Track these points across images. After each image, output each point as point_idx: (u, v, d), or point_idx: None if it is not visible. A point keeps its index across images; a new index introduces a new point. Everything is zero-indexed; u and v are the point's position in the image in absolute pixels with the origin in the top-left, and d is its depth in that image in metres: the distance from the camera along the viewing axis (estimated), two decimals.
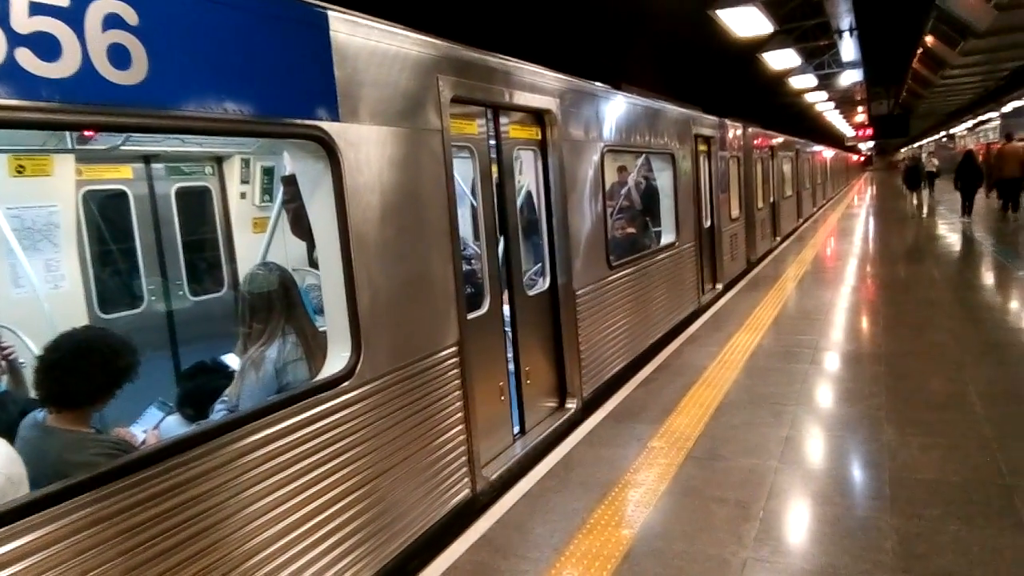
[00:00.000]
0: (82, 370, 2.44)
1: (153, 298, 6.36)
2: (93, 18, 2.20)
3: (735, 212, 12.30)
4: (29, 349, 4.65)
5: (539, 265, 5.77)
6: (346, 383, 3.21)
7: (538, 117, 5.42)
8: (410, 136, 3.72)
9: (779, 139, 17.09)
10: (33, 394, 2.52)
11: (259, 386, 3.23)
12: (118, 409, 2.90)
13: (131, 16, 2.31)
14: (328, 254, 3.27)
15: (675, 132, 8.79)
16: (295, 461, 2.88)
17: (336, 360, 3.29)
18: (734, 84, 21.52)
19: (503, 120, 5.00)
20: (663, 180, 8.76)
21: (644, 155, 8.73)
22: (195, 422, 3.59)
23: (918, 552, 3.36)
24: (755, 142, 13.97)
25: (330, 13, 3.21)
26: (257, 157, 6.57)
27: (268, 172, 6.72)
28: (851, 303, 9.55)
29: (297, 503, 2.91)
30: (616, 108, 6.93)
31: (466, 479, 4.05)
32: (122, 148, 5.63)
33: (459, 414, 4.02)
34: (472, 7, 9.38)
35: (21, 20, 2.01)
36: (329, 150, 3.13)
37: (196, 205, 6.66)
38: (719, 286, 10.78)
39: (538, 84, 5.27)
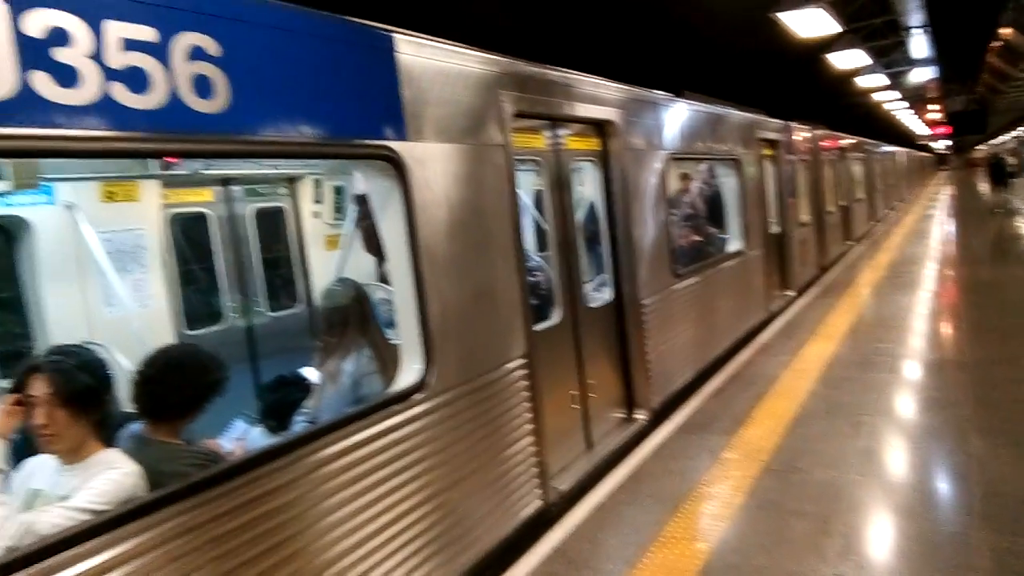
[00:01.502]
0: (175, 385, 2.58)
1: (234, 314, 6.64)
2: (179, 51, 2.34)
3: (804, 217, 11.97)
4: (120, 366, 4.93)
5: (601, 277, 5.75)
6: (418, 395, 3.27)
7: (599, 128, 5.43)
8: (474, 152, 3.79)
9: (848, 140, 16.56)
10: (130, 407, 2.67)
11: (337, 398, 3.33)
12: (206, 422, 3.04)
13: (213, 48, 2.45)
14: (399, 269, 3.36)
15: (739, 137, 8.64)
16: (371, 472, 2.96)
17: (408, 372, 3.36)
18: (798, 86, 20.99)
19: (564, 132, 5.04)
20: (728, 186, 8.62)
21: (708, 161, 8.62)
22: (277, 433, 3.73)
23: (1017, 570, 3.19)
24: (823, 144, 13.58)
25: (396, 36, 3.31)
26: (328, 177, 6.79)
27: (339, 191, 6.94)
28: (931, 308, 9.14)
29: (373, 513, 2.98)
30: (678, 116, 6.87)
31: (537, 490, 4.06)
32: (203, 172, 5.91)
33: (529, 426, 4.04)
34: (533, 23, 9.48)
35: (115, 56, 2.16)
36: (398, 168, 3.22)
37: (272, 225, 6.94)
38: (790, 293, 10.49)
39: (599, 96, 5.28)
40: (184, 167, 5.59)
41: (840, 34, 14.17)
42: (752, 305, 8.67)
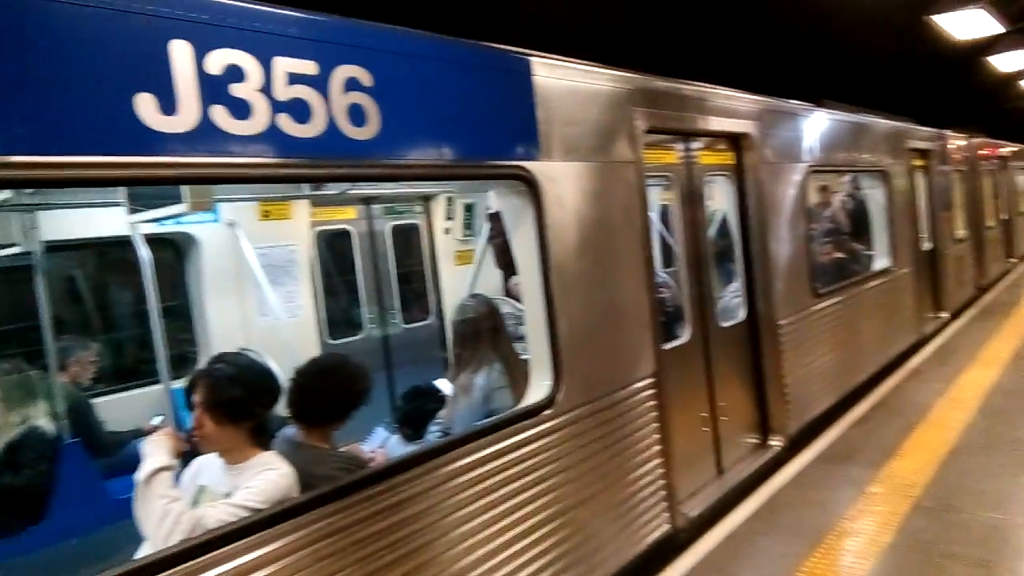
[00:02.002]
0: (326, 392, 2.76)
1: (372, 325, 7.01)
2: (336, 83, 2.52)
3: (960, 232, 11.00)
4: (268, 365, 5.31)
5: (734, 295, 5.56)
6: (547, 411, 3.30)
7: (733, 141, 5.28)
8: (605, 169, 3.79)
9: (1010, 148, 15.07)
10: (285, 412, 2.88)
11: (469, 411, 3.43)
12: (350, 426, 3.23)
13: (367, 78, 2.61)
14: (530, 286, 3.42)
15: (886, 147, 8.10)
16: (500, 486, 3.01)
17: (537, 388, 3.40)
18: (953, 92, 19.34)
19: (696, 146, 4.94)
20: (874, 199, 8.09)
21: (851, 173, 8.13)
22: (413, 442, 3.88)
23: None
24: (981, 153, 12.44)
25: (532, 59, 3.39)
26: (459, 195, 7.03)
27: (469, 208, 7.17)
28: None
29: (501, 527, 3.02)
30: (817, 126, 6.54)
31: (665, 514, 3.97)
32: (348, 192, 6.29)
33: (656, 447, 3.97)
34: (665, 38, 9.37)
35: (281, 89, 2.35)
36: (531, 187, 3.28)
37: (407, 240, 7.27)
38: (943, 314, 9.66)
39: (733, 108, 5.14)
40: (332, 187, 5.97)
41: (1002, 35, 12.97)
42: (901, 327, 8.06)
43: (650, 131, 4.16)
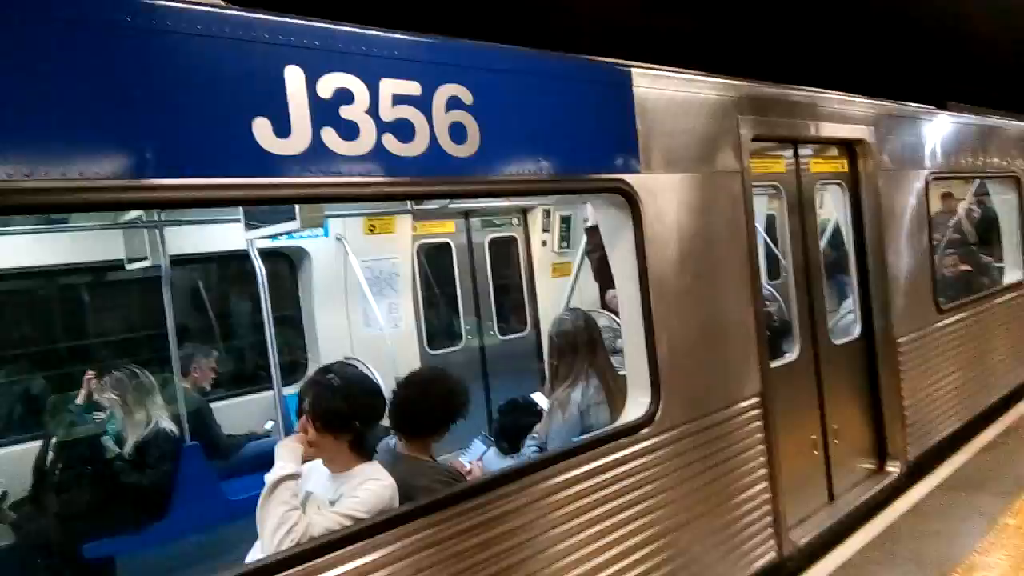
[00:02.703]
0: (425, 405, 2.81)
1: (469, 336, 7.11)
2: (439, 102, 2.57)
3: None
4: (373, 378, 5.47)
5: (848, 310, 5.25)
6: (645, 430, 3.22)
7: (847, 148, 5.01)
8: (709, 180, 3.68)
9: None
10: (387, 423, 2.95)
11: (565, 427, 3.39)
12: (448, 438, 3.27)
13: (468, 97, 2.65)
14: (628, 300, 3.35)
15: (1018, 151, 7.45)
16: (596, 505, 2.95)
17: (636, 406, 3.33)
18: None
19: (806, 153, 4.72)
20: (1005, 207, 7.45)
21: (979, 180, 7.54)
22: (509, 455, 3.89)
23: None
24: None
25: (633, 71, 3.34)
26: (556, 207, 7.03)
27: (566, 220, 7.16)
28: None
29: (598, 548, 2.96)
30: (941, 130, 6.10)
31: (771, 541, 3.78)
32: (448, 206, 6.43)
33: (762, 470, 3.79)
34: (776, 41, 9.04)
35: (386, 110, 2.42)
36: (630, 200, 3.23)
37: (504, 253, 7.34)
38: None
39: (847, 113, 4.88)
40: (433, 202, 6.10)
41: None
42: None
43: (757, 139, 4.01)
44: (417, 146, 2.50)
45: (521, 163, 2.85)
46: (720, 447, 3.57)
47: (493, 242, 7.20)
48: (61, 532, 4.05)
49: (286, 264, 5.93)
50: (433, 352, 6.74)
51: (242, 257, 5.05)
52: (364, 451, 2.60)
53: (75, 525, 4.07)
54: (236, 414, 5.39)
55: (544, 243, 7.31)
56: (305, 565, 2.14)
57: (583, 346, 3.56)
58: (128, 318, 5.38)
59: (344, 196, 2.52)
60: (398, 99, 2.46)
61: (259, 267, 4.25)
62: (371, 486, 2.44)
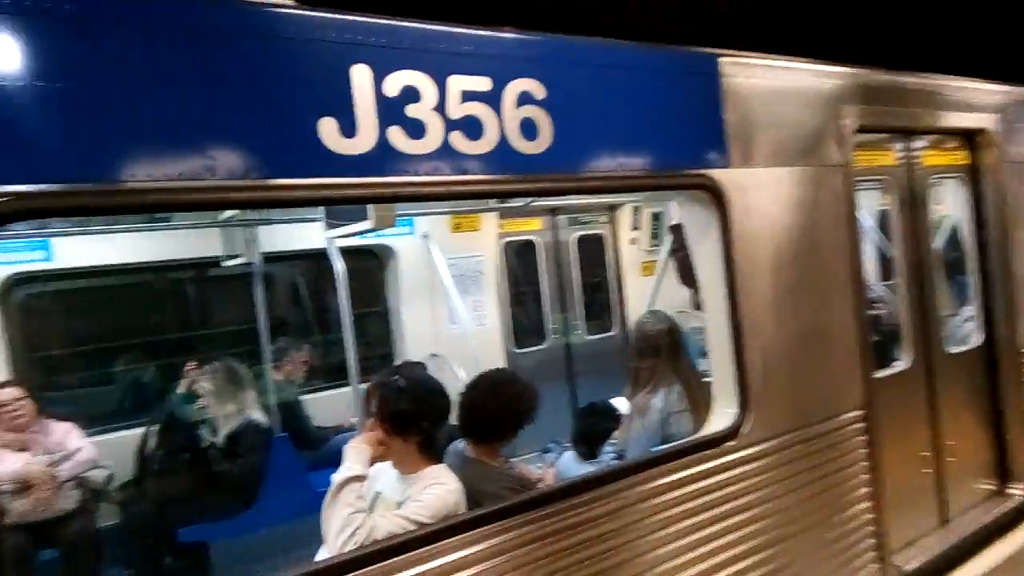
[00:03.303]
0: (492, 409, 2.74)
1: (555, 336, 7.03)
2: (509, 97, 2.49)
3: None
4: (457, 377, 5.49)
5: (966, 316, 4.78)
6: (730, 442, 3.02)
7: (968, 138, 4.55)
8: (806, 175, 3.42)
9: None
10: (456, 425, 2.91)
11: (644, 434, 3.25)
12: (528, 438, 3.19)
13: (540, 91, 2.56)
14: (714, 304, 3.16)
15: None
16: (673, 521, 2.78)
17: (721, 416, 3.13)
18: None
19: (919, 145, 4.32)
20: None
21: None
22: (587, 460, 3.78)
23: None
24: None
25: (721, 59, 3.14)
26: (646, 204, 6.82)
27: (656, 218, 6.94)
28: None
29: (675, 567, 2.80)
30: None
31: (874, 565, 3.48)
32: (534, 204, 6.36)
33: (864, 489, 3.49)
34: (891, 24, 8.41)
35: (454, 107, 2.36)
36: (716, 197, 3.04)
37: (592, 251, 7.20)
38: None
39: (968, 100, 4.43)
40: (518, 199, 6.05)
41: None
42: None
43: (863, 130, 3.69)
44: (486, 143, 2.43)
45: (597, 159, 2.72)
46: (816, 463, 3.31)
47: (581, 240, 7.08)
48: (159, 515, 4.28)
49: (374, 261, 6.04)
50: (518, 351, 6.71)
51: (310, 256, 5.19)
52: (432, 453, 2.57)
53: (172, 509, 4.28)
54: (326, 407, 5.54)
55: (633, 241, 7.12)
56: (366, 569, 2.12)
57: (665, 350, 3.40)
58: (225, 312, 5.63)
59: (409, 196, 2.48)
60: (467, 96, 2.40)
61: (338, 265, 4.31)
62: (436, 490, 2.40)
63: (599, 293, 7.25)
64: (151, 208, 2.71)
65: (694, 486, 2.88)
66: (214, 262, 5.04)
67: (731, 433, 3.04)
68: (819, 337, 3.43)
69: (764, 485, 3.10)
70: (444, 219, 5.99)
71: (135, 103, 1.84)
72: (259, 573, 4.14)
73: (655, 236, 6.92)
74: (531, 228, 6.85)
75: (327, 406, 5.52)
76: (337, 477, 2.34)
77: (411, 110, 2.29)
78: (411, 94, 2.29)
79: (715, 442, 3.02)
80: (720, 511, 2.95)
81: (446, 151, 2.35)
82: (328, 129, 2.12)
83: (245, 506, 4.40)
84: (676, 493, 2.83)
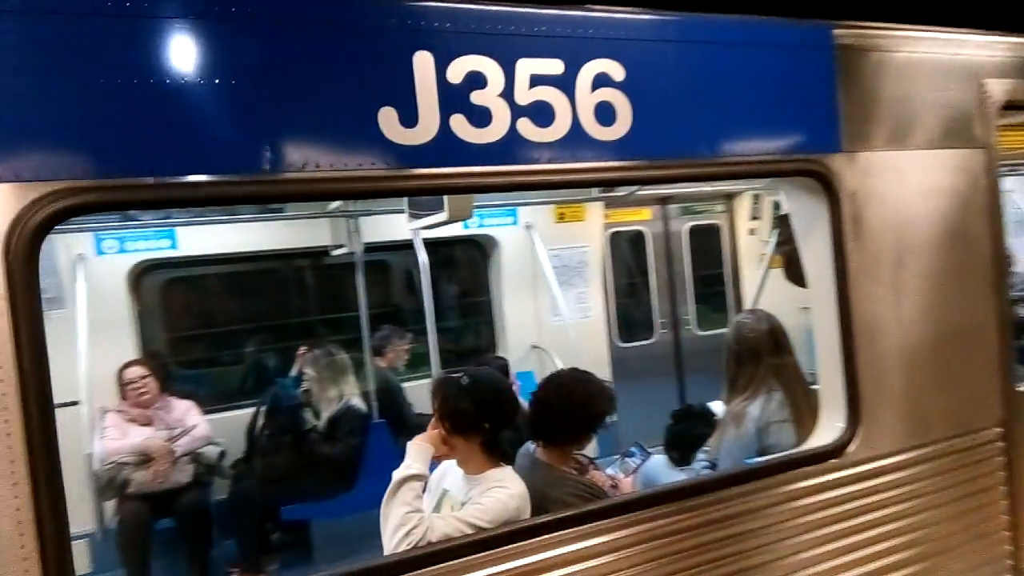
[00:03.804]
0: (563, 411, 2.60)
1: (664, 330, 6.74)
2: (584, 80, 2.32)
3: None
4: (556, 368, 5.37)
5: None
6: (836, 460, 2.71)
7: None
8: (938, 159, 2.99)
9: None
10: (526, 426, 2.80)
11: (737, 444, 3.00)
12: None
13: (619, 72, 2.37)
14: (822, 304, 2.84)
15: None
16: (766, 545, 2.53)
17: (827, 429, 2.82)
18: None
19: None
20: None
21: None
22: (680, 466, 3.57)
23: None
24: None
25: (835, 30, 2.80)
26: (767, 192, 6.37)
27: (779, 206, 6.48)
28: None
29: None
30: None
31: None
32: (642, 192, 6.11)
33: (1003, 517, 3.05)
34: None
35: (522, 93, 2.23)
36: (826, 184, 2.72)
37: (706, 242, 6.83)
38: None
39: None
40: (622, 188, 5.82)
41: None
42: None
43: (1010, 106, 3.19)
44: (556, 130, 2.29)
45: (683, 145, 2.49)
46: (941, 487, 2.91)
47: (693, 230, 6.73)
48: (265, 492, 4.49)
49: (477, 252, 6.03)
50: (624, 345, 6.50)
51: (434, 244, 5.22)
52: (497, 454, 2.47)
53: (277, 487, 4.48)
54: (425, 395, 5.61)
55: (753, 231, 6.68)
56: (421, 570, 2.07)
57: (766, 354, 3.11)
58: (331, 300, 5.82)
59: (471, 187, 2.39)
60: (536, 80, 2.26)
61: (422, 256, 4.31)
62: (497, 494, 2.31)
63: (713, 286, 6.88)
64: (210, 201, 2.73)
65: (789, 506, 2.61)
66: (323, 251, 5.21)
67: (836, 450, 2.73)
68: (950, 343, 3.00)
69: (875, 509, 2.76)
70: (547, 209, 5.88)
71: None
72: (351, 555, 4.23)
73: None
74: (639, 218, 6.59)
75: (426, 394, 5.59)
76: (396, 475, 2.30)
77: (476, 97, 2.19)
78: (476, 80, 2.19)
79: (818, 458, 2.72)
80: (819, 535, 2.66)
81: (513, 140, 2.23)
82: (388, 118, 2.07)
83: (344, 489, 4.53)
84: (768, 513, 2.57)
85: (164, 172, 1.83)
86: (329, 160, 2.02)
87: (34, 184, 1.70)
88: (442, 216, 3.51)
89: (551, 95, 2.28)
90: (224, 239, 5.03)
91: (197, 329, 5.52)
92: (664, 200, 6.57)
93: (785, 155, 2.68)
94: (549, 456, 2.63)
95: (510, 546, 2.18)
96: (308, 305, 5.87)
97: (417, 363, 5.90)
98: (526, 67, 2.24)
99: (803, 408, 3.03)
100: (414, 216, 4.01)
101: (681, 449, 3.53)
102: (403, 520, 2.18)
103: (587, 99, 2.32)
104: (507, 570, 2.16)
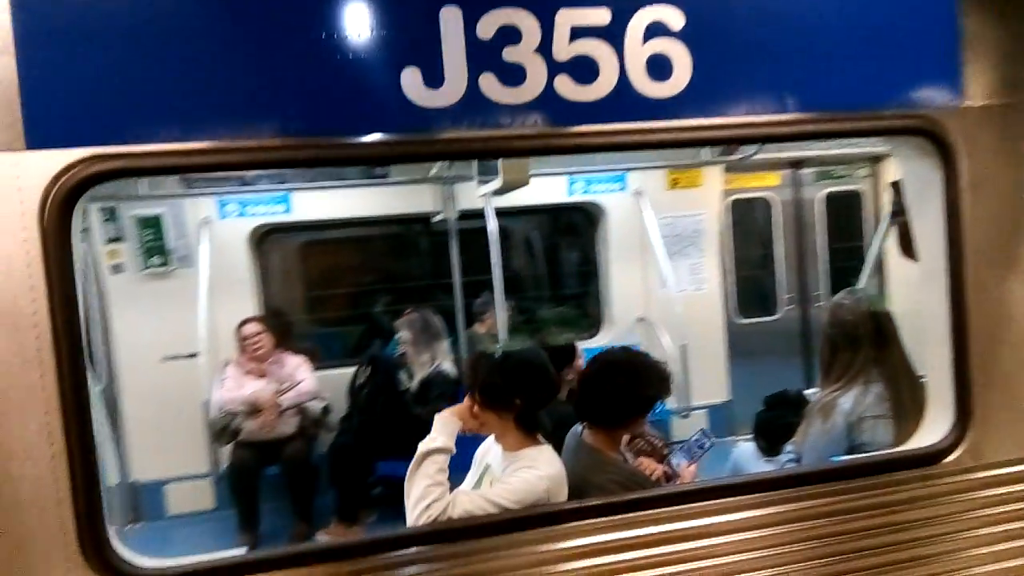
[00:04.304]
0: (608, 392, 2.42)
1: (790, 307, 6.23)
2: (634, 31, 2.09)
3: None
4: (661, 343, 5.13)
5: None
6: (937, 465, 2.33)
7: None
8: None
9: None
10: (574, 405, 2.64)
11: (822, 440, 2.67)
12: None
13: (677, 19, 2.11)
14: (931, 284, 2.44)
15: None
16: (830, 555, 2.24)
17: (931, 428, 2.43)
18: None
19: None
20: None
21: None
22: (767, 455, 3.28)
23: None
24: None
25: None
26: None
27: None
28: None
29: None
30: None
31: None
32: (769, 156, 5.62)
33: None
34: None
35: (561, 47, 2.05)
36: (939, 144, 2.29)
37: (845, 210, 6.19)
38: None
39: None
40: (744, 151, 5.36)
41: None
42: None
43: None
44: (600, 88, 2.08)
45: (752, 100, 2.19)
46: None
47: (830, 198, 6.10)
48: (363, 448, 4.67)
49: (584, 219, 5.84)
50: (743, 321, 6.07)
51: (537, 212, 5.11)
52: (532, 432, 2.37)
53: (374, 444, 4.64)
54: None
55: None
56: (431, 546, 2.02)
57: (865, 340, 2.73)
58: (432, 265, 5.88)
59: (503, 150, 2.24)
60: (578, 32, 2.06)
61: (491, 224, 4.19)
62: (525, 474, 2.21)
63: (852, 260, 6.22)
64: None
65: (873, 515, 2.28)
66: (425, 218, 5.26)
67: (937, 453, 2.34)
68: None
69: (984, 525, 2.36)
70: (660, 175, 5.55)
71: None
72: None
73: None
74: (765, 184, 6.06)
75: None
76: (421, 447, 2.26)
77: (508, 54, 2.03)
78: (509, 35, 2.03)
79: (916, 461, 2.35)
80: (915, 555, 2.31)
81: (549, 98, 2.06)
82: (412, 79, 1.97)
83: None
84: (844, 519, 2.27)
85: (191, 138, 1.87)
86: (351, 126, 1.97)
87: (67, 150, 1.78)
88: (497, 183, 3.38)
89: (595, 48, 2.07)
90: (335, 204, 5.21)
91: (311, 290, 5.81)
92: (796, 164, 6.00)
93: (890, 110, 2.29)
94: (595, 439, 2.47)
95: (532, 531, 2.07)
96: (411, 270, 5.99)
97: (529, 331, 5.88)
98: (566, 18, 2.05)
99: (907, 405, 2.63)
100: (482, 182, 3.91)
101: (770, 438, 3.22)
102: (424, 493, 2.14)
103: (637, 52, 2.09)
104: (528, 554, 2.05)
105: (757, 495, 2.20)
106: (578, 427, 2.58)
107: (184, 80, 1.85)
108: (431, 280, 5.72)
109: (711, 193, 5.68)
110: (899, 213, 3.44)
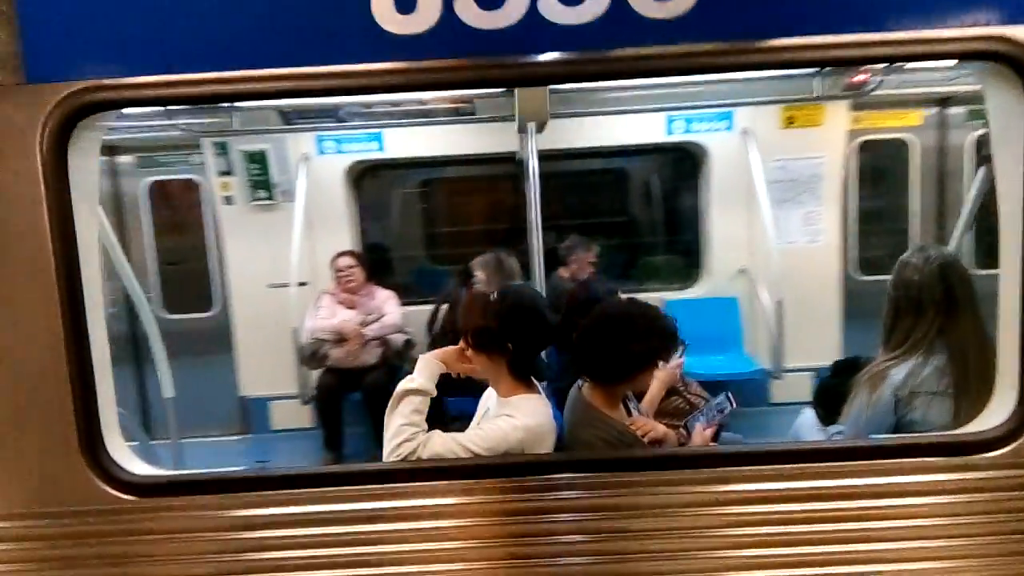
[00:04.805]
0: (606, 346, 2.25)
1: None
2: None
3: None
4: (760, 298, 4.77)
5: None
6: (993, 452, 1.98)
7: None
8: None
9: None
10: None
11: (867, 412, 2.36)
12: None
13: None
14: (1008, 238, 2.04)
15: None
16: (850, 538, 1.98)
17: (994, 409, 2.07)
18: None
19: None
20: None
21: None
22: (827, 424, 2.97)
23: None
24: None
25: None
26: None
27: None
28: None
29: None
30: None
31: None
32: (910, 91, 4.94)
33: None
34: None
35: None
36: (1018, 70, 1.87)
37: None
38: None
39: None
40: (875, 84, 4.70)
41: None
42: None
43: None
44: (586, 11, 1.88)
45: (777, 20, 1.88)
46: None
47: (983, 141, 5.25)
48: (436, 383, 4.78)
49: (686, 160, 5.46)
50: (864, 278, 5.46)
51: (633, 153, 4.85)
52: (525, 379, 2.29)
53: (446, 379, 4.73)
54: None
55: None
56: (395, 484, 2.02)
57: (931, 306, 2.36)
58: (514, 205, 5.75)
59: (490, 80, 2.08)
60: None
61: (532, 165, 3.95)
62: (500, 423, 2.16)
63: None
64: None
65: (913, 502, 1.99)
66: (510, 157, 5.16)
67: (1000, 438, 1.99)
68: None
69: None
70: (773, 112, 5.04)
71: None
72: None
73: None
74: (904, 123, 5.31)
75: None
76: (399, 387, 2.26)
77: None
78: None
79: (967, 447, 2.02)
80: (954, 550, 2.00)
81: (532, 22, 1.89)
82: (381, 5, 1.88)
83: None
84: (884, 507, 1.98)
85: (182, 70, 1.92)
86: (321, 55, 1.92)
87: (63, 83, 1.90)
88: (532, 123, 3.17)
89: None
90: (424, 143, 5.25)
91: (405, 227, 5.96)
92: (943, 101, 5.20)
93: (951, 27, 1.88)
94: (593, 394, 2.33)
95: (492, 479, 2.01)
96: (495, 210, 5.93)
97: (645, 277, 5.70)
98: None
99: (973, 384, 2.25)
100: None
101: (828, 407, 2.90)
102: (397, 432, 2.15)
103: None
104: (482, 501, 2.00)
105: (748, 467, 1.98)
106: (580, 381, 2.46)
107: (175, 15, 1.89)
108: (511, 224, 5.63)
109: (834, 133, 5.08)
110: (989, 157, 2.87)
